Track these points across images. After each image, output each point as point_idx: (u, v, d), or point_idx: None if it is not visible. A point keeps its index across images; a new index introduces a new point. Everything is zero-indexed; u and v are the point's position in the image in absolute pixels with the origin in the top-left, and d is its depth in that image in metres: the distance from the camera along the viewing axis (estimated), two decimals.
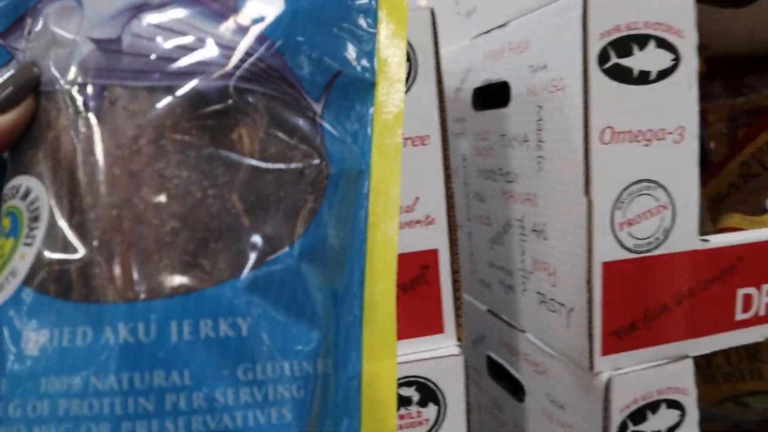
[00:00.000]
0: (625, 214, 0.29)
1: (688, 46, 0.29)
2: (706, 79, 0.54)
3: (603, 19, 0.27)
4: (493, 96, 0.38)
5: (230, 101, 0.17)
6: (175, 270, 0.16)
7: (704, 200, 0.48)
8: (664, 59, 0.29)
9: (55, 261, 0.16)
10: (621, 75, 0.28)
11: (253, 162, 0.17)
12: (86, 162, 0.16)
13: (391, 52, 0.19)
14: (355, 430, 0.18)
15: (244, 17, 0.17)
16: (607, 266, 0.29)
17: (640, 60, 0.28)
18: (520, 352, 0.38)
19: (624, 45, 0.28)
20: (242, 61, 0.17)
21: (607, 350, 0.30)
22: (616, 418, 0.31)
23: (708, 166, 0.51)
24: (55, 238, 0.16)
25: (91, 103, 0.16)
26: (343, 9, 0.19)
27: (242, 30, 0.17)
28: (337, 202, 0.18)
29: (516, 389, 0.40)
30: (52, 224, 0.16)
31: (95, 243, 0.16)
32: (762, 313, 0.33)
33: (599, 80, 0.28)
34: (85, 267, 0.16)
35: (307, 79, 0.18)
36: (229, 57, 0.17)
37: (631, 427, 0.31)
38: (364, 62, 0.19)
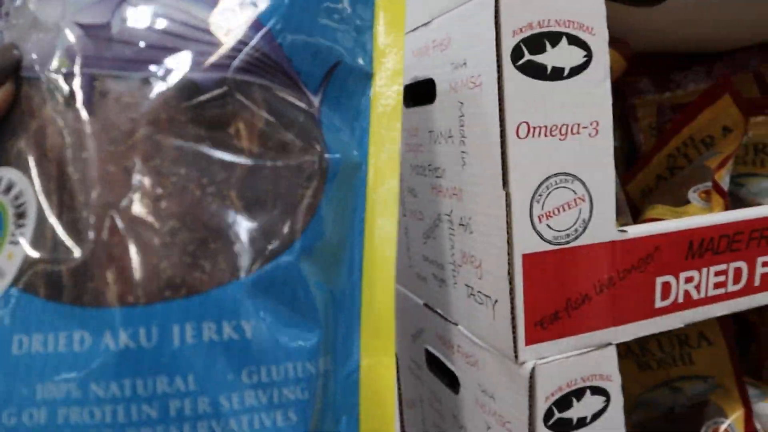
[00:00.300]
0: (544, 206, 0.30)
1: (600, 43, 0.30)
2: (635, 75, 0.55)
3: (515, 17, 0.28)
4: (422, 93, 0.38)
5: (228, 93, 0.16)
6: (175, 272, 0.15)
7: (635, 193, 0.50)
8: (576, 56, 0.30)
9: (46, 262, 0.15)
10: (535, 71, 0.29)
11: (252, 157, 0.16)
12: (77, 157, 0.15)
13: (389, 41, 0.19)
14: (354, 424, 0.18)
15: (240, 3, 0.16)
16: (528, 258, 0.30)
17: (553, 57, 0.29)
18: (454, 345, 0.39)
19: (537, 42, 0.29)
20: (239, 51, 0.16)
21: (530, 340, 0.31)
22: (542, 406, 0.31)
23: (636, 160, 0.52)
24: (45, 238, 0.15)
25: (81, 95, 0.15)
26: None
27: (238, 16, 0.16)
28: (335, 196, 0.17)
29: (453, 381, 0.40)
30: (41, 222, 0.15)
31: (91, 244, 0.15)
32: (681, 300, 0.34)
33: (513, 77, 0.28)
34: (80, 269, 0.15)
35: (305, 70, 0.17)
36: (225, 46, 0.16)
37: (557, 414, 0.32)
38: (362, 52, 0.18)
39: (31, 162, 0.16)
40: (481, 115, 0.30)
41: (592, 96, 0.30)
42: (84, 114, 0.15)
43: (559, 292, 0.31)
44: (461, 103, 0.32)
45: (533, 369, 0.31)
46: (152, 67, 0.15)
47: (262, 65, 0.16)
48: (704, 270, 0.35)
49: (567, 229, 0.31)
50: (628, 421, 0.49)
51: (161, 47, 0.16)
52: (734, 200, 0.47)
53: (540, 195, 0.30)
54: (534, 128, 0.29)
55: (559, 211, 0.30)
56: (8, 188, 0.16)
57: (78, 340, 0.15)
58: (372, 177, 0.18)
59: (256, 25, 0.16)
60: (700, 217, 0.34)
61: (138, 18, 0.16)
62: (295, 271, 0.16)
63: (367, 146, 0.19)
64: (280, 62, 0.16)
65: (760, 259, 0.37)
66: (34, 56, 0.16)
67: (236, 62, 0.16)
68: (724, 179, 0.41)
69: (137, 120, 0.15)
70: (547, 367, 0.31)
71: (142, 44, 0.16)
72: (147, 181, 0.15)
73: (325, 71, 0.17)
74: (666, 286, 0.34)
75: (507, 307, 0.31)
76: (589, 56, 0.30)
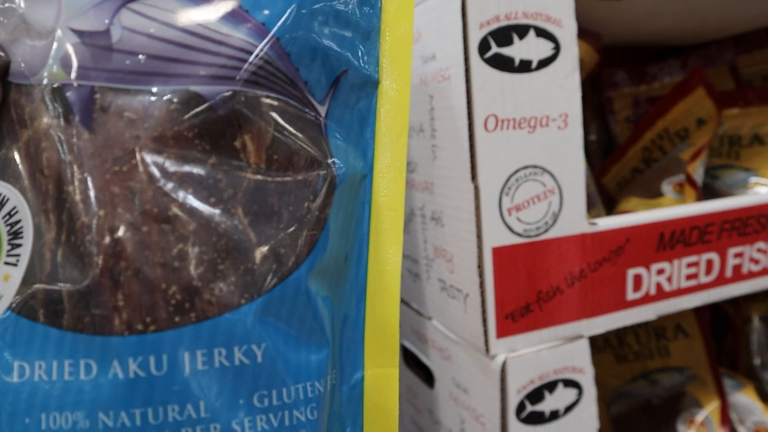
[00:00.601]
0: (513, 199, 0.30)
1: (568, 35, 0.30)
2: (611, 67, 0.56)
3: (482, 10, 0.28)
4: None
5: (234, 107, 0.15)
6: (184, 297, 0.14)
7: (611, 185, 0.50)
8: (544, 48, 0.30)
9: (46, 286, 0.14)
10: (502, 64, 0.29)
11: (259, 172, 0.15)
12: (78, 177, 0.14)
13: (396, 46, 0.18)
14: None
15: (245, 9, 0.15)
16: (498, 251, 0.30)
17: (521, 49, 0.29)
18: (429, 339, 0.38)
19: (504, 34, 0.28)
20: (245, 60, 0.15)
21: (501, 333, 0.31)
22: (514, 399, 0.31)
23: (611, 152, 0.52)
24: (43, 260, 0.14)
25: (80, 108, 0.14)
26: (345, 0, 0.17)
27: (244, 24, 0.15)
28: (341, 208, 0.17)
29: (429, 377, 0.40)
30: (40, 244, 0.14)
31: (96, 269, 0.14)
32: (653, 292, 0.35)
33: (481, 69, 0.28)
34: (84, 294, 0.14)
35: (312, 80, 0.16)
36: (231, 56, 0.15)
37: (529, 407, 0.32)
38: (368, 58, 0.18)
39: (24, 176, 0.15)
40: (450, 108, 0.30)
41: (561, 88, 0.30)
42: (83, 130, 0.14)
43: (530, 285, 0.31)
44: (431, 96, 0.32)
45: (504, 362, 0.31)
46: (155, 79, 0.15)
47: (269, 75, 0.15)
48: (676, 262, 0.35)
49: (537, 222, 0.31)
50: (607, 413, 0.49)
51: (164, 57, 0.15)
52: (710, 192, 0.47)
53: (509, 188, 0.30)
54: (502, 121, 0.29)
55: (528, 203, 0.30)
56: (1, 204, 0.15)
57: (84, 368, 0.14)
58: (377, 187, 0.18)
59: (263, 32, 0.15)
60: (671, 208, 0.34)
61: (139, 25, 0.15)
62: (304, 290, 0.16)
63: (372, 156, 0.18)
64: (287, 72, 0.16)
65: (732, 251, 0.37)
66: (24, 62, 0.15)
67: (242, 73, 0.15)
68: (697, 171, 0.42)
69: (141, 137, 0.14)
70: (519, 360, 0.31)
71: (143, 54, 0.15)
72: (153, 203, 0.14)
73: (332, 80, 0.17)
74: (637, 278, 0.34)
75: (478, 300, 0.31)
76: (557, 48, 0.30)
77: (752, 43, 0.54)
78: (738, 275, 0.38)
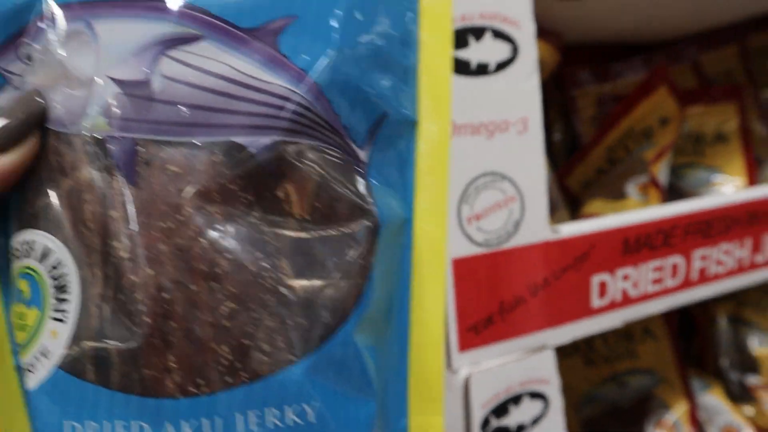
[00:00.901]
0: (473, 208, 0.29)
1: (526, 36, 0.29)
2: (575, 66, 0.55)
3: None
4: None
5: (276, 157, 0.14)
6: (235, 356, 0.14)
7: (575, 185, 0.49)
8: (501, 50, 0.28)
9: (95, 344, 0.14)
10: (459, 67, 0.27)
11: (303, 223, 0.15)
12: (124, 232, 0.14)
13: (435, 84, 0.17)
14: None
15: (285, 54, 0.15)
16: (458, 263, 0.29)
17: (478, 52, 0.28)
18: None
19: (460, 37, 0.27)
20: (286, 109, 0.15)
21: (464, 346, 0.30)
22: (478, 414, 0.30)
23: (575, 152, 0.52)
24: (90, 317, 0.14)
25: (123, 162, 0.14)
26: (384, 41, 0.16)
27: (284, 70, 0.15)
28: (383, 255, 0.16)
29: None
30: (87, 300, 0.14)
31: (145, 329, 0.14)
32: (618, 298, 0.34)
33: None
34: (134, 354, 0.14)
35: (352, 125, 0.16)
36: (271, 104, 0.15)
37: (495, 423, 0.31)
38: (407, 98, 0.17)
39: (67, 227, 0.14)
40: None
41: (519, 92, 0.29)
42: (128, 184, 0.14)
43: (492, 296, 0.30)
44: None
45: (468, 377, 0.30)
46: (197, 131, 0.14)
47: (310, 122, 0.15)
48: (641, 266, 0.34)
49: (498, 231, 0.29)
50: (576, 418, 0.48)
51: (205, 107, 0.14)
52: (675, 192, 0.47)
53: (468, 196, 0.28)
54: (459, 127, 0.28)
55: (488, 212, 0.29)
56: (44, 255, 0.15)
57: (137, 430, 0.14)
58: (417, 231, 0.17)
59: (303, 78, 0.15)
60: (635, 212, 0.34)
61: (179, 74, 0.14)
62: (351, 344, 0.15)
63: (412, 199, 0.17)
64: (328, 118, 0.15)
65: (697, 253, 0.36)
66: (64, 110, 0.15)
67: (284, 121, 0.15)
68: (662, 171, 0.41)
69: (186, 192, 0.14)
70: (483, 374, 0.30)
71: (185, 104, 0.14)
72: (202, 261, 0.14)
73: (372, 124, 0.16)
74: (602, 285, 0.33)
75: None
76: (515, 50, 0.29)
77: (715, 41, 0.53)
78: (703, 278, 0.37)
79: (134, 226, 0.14)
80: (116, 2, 0.14)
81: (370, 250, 0.16)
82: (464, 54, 0.27)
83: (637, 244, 0.33)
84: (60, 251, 0.14)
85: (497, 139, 0.29)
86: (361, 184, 0.16)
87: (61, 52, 0.15)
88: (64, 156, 0.14)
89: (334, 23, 0.15)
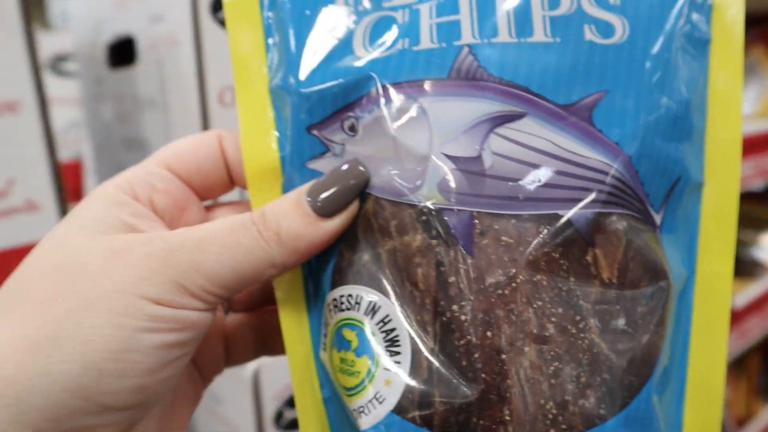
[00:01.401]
0: None
1: None
2: None
3: None
4: (125, 53, 0.32)
5: (593, 226, 0.15)
6: (558, 411, 0.15)
7: None
8: None
9: (428, 395, 0.15)
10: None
11: (612, 287, 0.16)
12: (462, 297, 0.15)
13: (722, 146, 0.17)
14: None
15: (599, 129, 0.16)
16: None
17: None
18: None
19: None
20: (602, 182, 0.15)
21: None
22: (270, 407, 0.28)
23: None
24: (421, 369, 0.15)
25: (461, 233, 0.15)
26: (682, 107, 0.17)
27: (600, 144, 0.16)
28: (672, 315, 0.17)
29: None
30: (417, 354, 0.15)
31: (480, 385, 0.15)
32: None
33: (213, 32, 0.24)
34: (468, 407, 0.15)
35: (653, 192, 0.16)
36: (590, 178, 0.15)
37: (288, 414, 0.29)
38: (696, 162, 0.17)
39: (393, 285, 0.16)
40: (182, 77, 0.25)
41: None
42: (465, 254, 0.15)
43: None
44: (161, 64, 0.27)
45: (257, 369, 0.27)
46: (527, 205, 0.15)
47: (620, 193, 0.16)
48: None
49: None
50: None
51: (533, 182, 0.15)
52: None
53: None
54: None
55: None
56: (372, 310, 0.16)
57: None
58: (699, 293, 0.18)
59: (617, 151, 0.16)
60: None
61: (507, 150, 0.15)
62: (651, 404, 0.16)
63: (695, 259, 0.18)
64: (635, 187, 0.16)
65: None
66: (394, 180, 0.16)
67: (600, 194, 0.15)
68: None
69: (518, 260, 0.15)
70: (272, 367, 0.28)
71: (515, 179, 0.15)
72: (533, 325, 0.15)
73: (668, 189, 0.17)
74: None
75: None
76: None
77: None
78: None
79: (473, 291, 0.15)
80: (443, 81, 0.15)
81: (666, 310, 0.17)
82: None
83: None
84: (388, 307, 0.16)
85: None
86: (658, 248, 0.17)
87: (394, 127, 0.15)
88: (389, 221, 0.16)
89: (641, 94, 0.16)
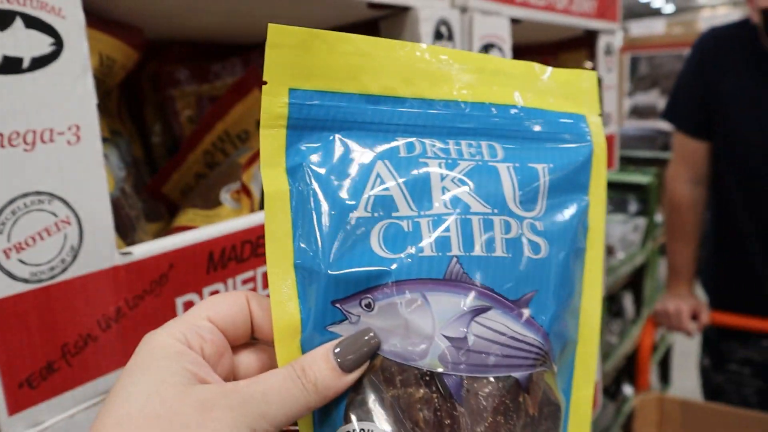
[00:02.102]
0: (10, 238, 0.23)
1: (73, 28, 0.24)
2: (173, 63, 0.51)
3: None
4: None
5: (528, 381, 0.22)
6: None
7: (175, 193, 0.46)
8: (40, 43, 0.23)
9: None
10: None
11: (533, 421, 0.22)
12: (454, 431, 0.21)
13: (588, 313, 0.27)
14: None
15: (533, 316, 0.23)
16: None
17: (7, 43, 0.22)
18: None
19: None
20: (537, 354, 0.23)
21: (16, 407, 0.24)
22: None
23: (169, 158, 0.49)
24: None
25: (454, 390, 0.21)
26: (575, 300, 0.26)
27: (535, 328, 0.23)
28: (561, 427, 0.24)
29: None
30: None
31: None
32: None
33: None
34: None
35: (554, 352, 0.24)
36: (529, 351, 0.23)
37: None
38: (574, 327, 0.26)
39: (399, 424, 0.21)
40: None
41: (68, 94, 0.24)
42: (457, 404, 0.21)
43: (51, 339, 0.25)
44: None
45: None
46: (495, 369, 0.22)
47: (541, 356, 0.23)
48: (230, 281, 0.32)
49: (50, 262, 0.24)
50: None
51: (498, 355, 0.22)
52: None
53: (3, 224, 0.23)
54: None
55: (35, 240, 0.24)
56: None
57: None
58: (572, 412, 0.26)
59: (542, 332, 0.23)
60: (218, 225, 0.32)
61: (482, 332, 0.22)
62: None
63: (570, 389, 0.26)
64: (548, 351, 0.23)
65: None
66: (405, 350, 0.21)
67: (534, 362, 0.23)
68: (255, 177, 0.40)
69: (488, 408, 0.21)
70: None
71: (487, 353, 0.22)
72: None
73: (561, 348, 0.25)
74: (189, 306, 0.30)
75: None
76: (58, 44, 0.24)
77: None
78: None
79: (461, 428, 0.21)
80: (438, 281, 0.22)
81: (558, 426, 0.24)
82: None
83: (224, 258, 0.32)
84: None
85: (40, 151, 0.24)
86: (555, 383, 0.24)
87: (404, 312, 0.21)
88: (395, 375, 0.21)
89: (555, 293, 0.24)
